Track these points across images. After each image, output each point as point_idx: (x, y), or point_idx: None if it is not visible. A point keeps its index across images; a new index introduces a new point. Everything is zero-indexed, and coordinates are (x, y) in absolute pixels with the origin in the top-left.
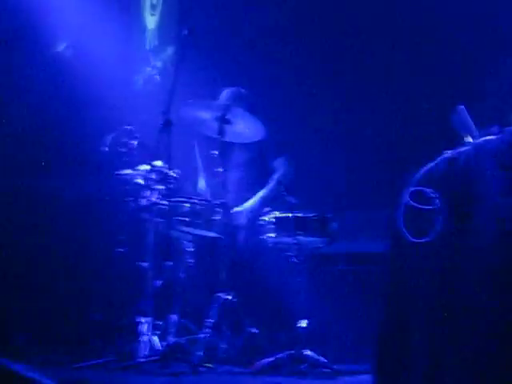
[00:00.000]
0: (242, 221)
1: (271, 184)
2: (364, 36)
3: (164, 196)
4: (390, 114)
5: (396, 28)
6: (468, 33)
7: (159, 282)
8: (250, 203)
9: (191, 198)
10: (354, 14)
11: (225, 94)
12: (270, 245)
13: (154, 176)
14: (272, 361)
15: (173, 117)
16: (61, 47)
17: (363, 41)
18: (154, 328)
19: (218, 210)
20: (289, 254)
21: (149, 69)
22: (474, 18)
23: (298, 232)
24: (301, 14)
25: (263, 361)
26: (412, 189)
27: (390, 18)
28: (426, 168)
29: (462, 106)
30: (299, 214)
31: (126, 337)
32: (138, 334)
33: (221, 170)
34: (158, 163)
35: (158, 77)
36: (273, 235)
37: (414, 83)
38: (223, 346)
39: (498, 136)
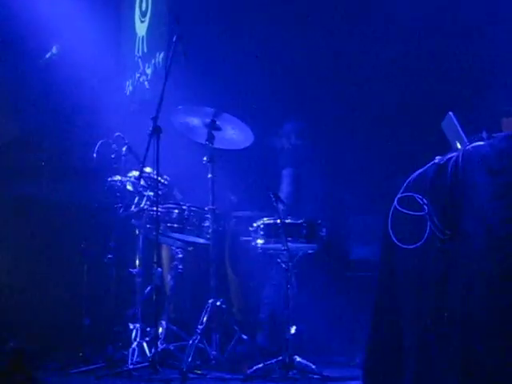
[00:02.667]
0: None
1: None
2: (360, 44)
3: (153, 202)
4: (382, 122)
5: (390, 38)
6: (458, 41)
7: (149, 289)
8: None
9: (180, 205)
10: (350, 21)
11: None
12: (260, 251)
13: (143, 182)
14: (262, 367)
15: (162, 123)
16: (49, 53)
17: (360, 48)
18: (144, 334)
19: (207, 216)
20: (278, 260)
21: (138, 75)
22: (465, 29)
23: (288, 238)
24: (290, 17)
25: (253, 367)
26: (401, 195)
27: (385, 28)
28: (415, 174)
29: (451, 113)
30: (288, 221)
31: (115, 343)
32: (127, 341)
33: (210, 175)
34: (148, 170)
35: (147, 83)
36: (262, 241)
37: (407, 93)
38: (213, 352)
39: (487, 142)
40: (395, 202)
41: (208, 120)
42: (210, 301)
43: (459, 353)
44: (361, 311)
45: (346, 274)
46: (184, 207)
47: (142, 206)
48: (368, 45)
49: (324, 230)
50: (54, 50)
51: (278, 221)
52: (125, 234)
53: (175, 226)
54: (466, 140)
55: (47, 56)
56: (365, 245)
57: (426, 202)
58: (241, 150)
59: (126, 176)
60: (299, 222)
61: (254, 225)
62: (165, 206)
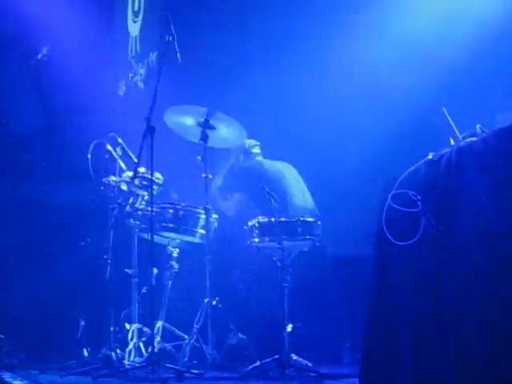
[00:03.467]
0: None
1: None
2: (351, 44)
3: (148, 202)
4: (374, 118)
5: (383, 35)
6: (451, 36)
7: (145, 288)
8: None
9: (175, 204)
10: (345, 19)
11: None
12: (255, 250)
13: (137, 182)
14: (258, 365)
15: (156, 123)
16: (41, 54)
17: (352, 49)
18: (141, 334)
19: (202, 215)
20: (273, 258)
21: (131, 75)
22: (462, 24)
23: (283, 236)
24: (284, 16)
25: (250, 366)
26: (395, 192)
27: (379, 26)
28: (408, 171)
29: (444, 109)
30: (283, 219)
31: (112, 343)
32: (124, 341)
33: (204, 175)
34: (142, 169)
35: (140, 83)
36: (257, 240)
37: (398, 88)
38: (209, 351)
39: (480, 138)
40: (389, 198)
41: (201, 119)
42: (206, 300)
43: (454, 350)
44: (357, 308)
45: (339, 271)
46: (179, 207)
47: (136, 206)
48: (362, 42)
49: (319, 228)
50: (45, 50)
51: (273, 219)
52: (120, 234)
53: (170, 225)
54: (459, 136)
55: (38, 57)
56: (357, 242)
57: (419, 198)
58: None
59: (120, 176)
60: (294, 220)
61: (249, 223)
62: (159, 205)
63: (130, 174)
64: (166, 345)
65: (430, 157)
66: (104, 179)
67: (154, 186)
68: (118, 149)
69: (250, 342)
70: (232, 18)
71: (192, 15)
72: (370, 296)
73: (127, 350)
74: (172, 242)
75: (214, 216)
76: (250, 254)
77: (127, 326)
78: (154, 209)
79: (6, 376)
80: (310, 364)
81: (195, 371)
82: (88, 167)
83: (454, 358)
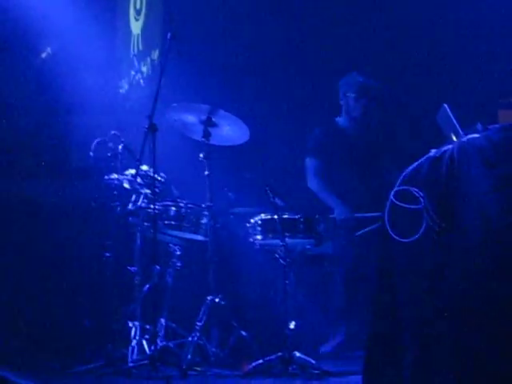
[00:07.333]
0: None
1: None
2: (351, 39)
3: (150, 200)
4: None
5: (384, 31)
6: (453, 32)
7: (147, 286)
8: None
9: (177, 202)
10: (345, 14)
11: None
12: (257, 247)
13: (139, 180)
14: (261, 363)
15: (158, 121)
16: (45, 54)
17: (351, 44)
18: (143, 332)
19: (204, 213)
20: (276, 255)
21: (133, 73)
22: (459, 20)
23: (285, 234)
24: (285, 16)
25: (253, 363)
26: (397, 188)
27: (379, 21)
28: (410, 167)
29: (446, 105)
30: (286, 216)
31: (115, 341)
32: (126, 339)
33: (207, 173)
34: (144, 167)
35: (142, 81)
36: (260, 237)
37: (400, 84)
38: (212, 349)
39: (482, 134)
40: (391, 195)
41: (204, 117)
42: (209, 297)
43: (456, 346)
44: (360, 306)
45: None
46: (181, 204)
47: (139, 203)
48: (362, 37)
49: (322, 224)
50: (49, 50)
51: (276, 216)
52: (122, 232)
53: (173, 223)
54: (461, 132)
55: (42, 56)
56: None
57: (422, 195)
58: (237, 146)
59: (122, 174)
60: (296, 217)
61: (252, 221)
62: (162, 203)
63: (133, 171)
64: (169, 343)
65: (432, 153)
66: (106, 177)
67: (157, 184)
68: (120, 147)
69: (252, 339)
70: (236, 15)
71: (195, 12)
72: (373, 293)
73: (130, 347)
74: (174, 239)
75: (216, 213)
76: (253, 252)
77: (130, 323)
78: (157, 206)
79: (11, 375)
80: (313, 361)
81: (198, 369)
82: (90, 165)
83: (455, 357)
